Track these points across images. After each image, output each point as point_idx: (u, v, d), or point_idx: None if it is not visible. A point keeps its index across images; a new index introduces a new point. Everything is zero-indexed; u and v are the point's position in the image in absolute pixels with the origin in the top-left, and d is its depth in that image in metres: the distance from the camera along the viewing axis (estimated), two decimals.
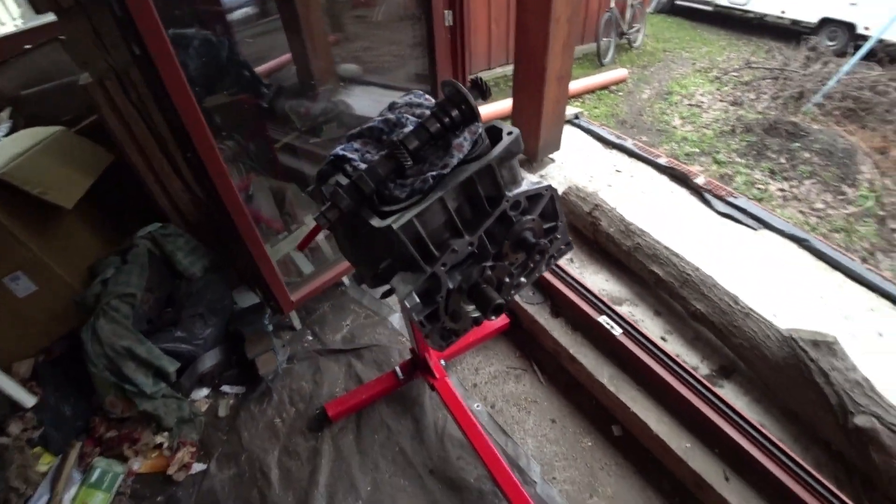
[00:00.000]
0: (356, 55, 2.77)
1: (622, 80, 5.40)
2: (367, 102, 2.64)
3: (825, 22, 6.49)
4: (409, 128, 0.75)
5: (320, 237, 2.23)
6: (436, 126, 0.66)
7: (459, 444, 1.64)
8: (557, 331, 1.84)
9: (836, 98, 4.55)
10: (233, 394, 1.96)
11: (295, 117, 2.12)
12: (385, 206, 0.67)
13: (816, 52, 5.22)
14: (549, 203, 0.76)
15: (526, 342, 1.99)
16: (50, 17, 1.85)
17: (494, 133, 0.73)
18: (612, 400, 1.65)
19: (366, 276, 0.93)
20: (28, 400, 1.71)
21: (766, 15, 7.44)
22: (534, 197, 0.74)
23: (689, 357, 1.91)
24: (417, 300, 0.71)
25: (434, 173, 0.65)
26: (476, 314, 0.80)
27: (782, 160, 3.81)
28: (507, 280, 0.79)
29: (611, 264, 2.26)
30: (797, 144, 3.90)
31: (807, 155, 3.80)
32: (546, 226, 0.77)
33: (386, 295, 0.93)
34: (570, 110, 3.70)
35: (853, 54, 4.89)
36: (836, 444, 1.60)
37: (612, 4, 5.58)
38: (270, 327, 2.08)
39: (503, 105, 4.01)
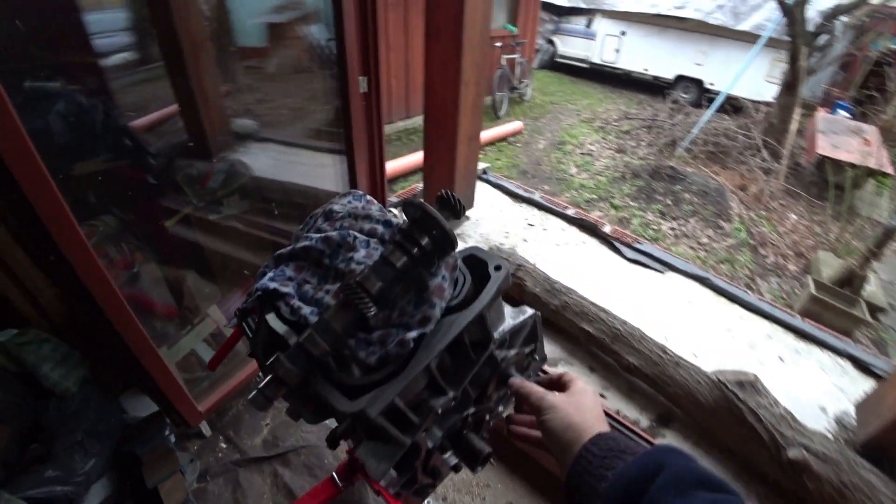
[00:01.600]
0: (249, 108, 2.59)
1: (518, 132, 5.75)
2: (266, 161, 2.45)
3: (680, 78, 7.60)
4: (361, 251, 0.62)
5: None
6: (402, 260, 0.53)
7: None
8: None
9: (699, 143, 5.24)
10: None
11: (189, 191, 1.87)
12: (346, 374, 0.53)
13: (678, 104, 6.02)
14: (532, 328, 0.68)
15: None
16: None
17: (474, 263, 0.62)
18: None
19: (303, 411, 0.77)
20: None
21: (632, 71, 8.54)
22: (518, 328, 0.65)
23: (628, 410, 1.92)
24: (395, 475, 0.57)
25: (415, 334, 0.52)
26: (455, 460, 0.67)
27: (668, 201, 4.23)
28: (487, 417, 0.68)
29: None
30: (678, 187, 4.37)
31: (687, 195, 4.26)
32: (526, 351, 0.68)
33: (334, 444, 0.77)
34: (479, 165, 3.80)
35: (706, 105, 5.72)
36: (773, 476, 1.67)
37: (504, 62, 5.99)
38: (173, 439, 1.74)
39: (411, 159, 4.03)
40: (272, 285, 0.60)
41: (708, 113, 5.34)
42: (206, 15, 2.11)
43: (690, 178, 4.47)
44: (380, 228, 0.66)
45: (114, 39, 1.99)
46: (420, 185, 3.23)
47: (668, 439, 1.83)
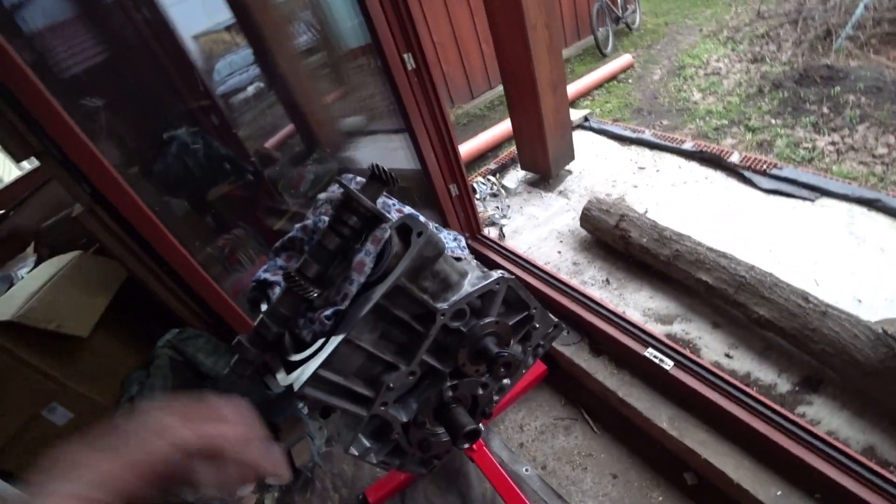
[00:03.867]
0: (364, 103, 2.73)
1: (629, 67, 5.14)
2: (374, 152, 2.58)
3: None
4: None
5: None
6: (335, 241, 0.54)
7: None
8: (601, 372, 1.64)
9: (868, 26, 4.10)
10: (277, 485, 1.89)
11: (287, 196, 2.07)
12: (294, 353, 0.58)
13: None
14: (510, 293, 0.61)
15: (570, 387, 1.78)
16: None
17: (406, 233, 0.59)
18: (677, 445, 1.42)
19: None
20: None
21: None
22: (487, 294, 0.60)
23: (762, 373, 1.65)
24: (367, 444, 0.60)
25: (328, 312, 0.55)
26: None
27: (825, 110, 3.42)
28: (482, 391, 0.64)
29: (652, 278, 2.04)
30: (837, 88, 3.51)
31: (852, 98, 3.40)
32: (515, 320, 0.62)
33: (325, 414, 0.81)
34: (578, 113, 3.51)
35: None
36: None
37: None
38: (305, 411, 2.01)
39: (503, 127, 3.86)
40: (263, 276, 0.67)
41: None
42: (313, 28, 2.35)
43: (855, 73, 3.52)
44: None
45: (237, 78, 2.40)
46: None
47: (817, 408, 1.53)
